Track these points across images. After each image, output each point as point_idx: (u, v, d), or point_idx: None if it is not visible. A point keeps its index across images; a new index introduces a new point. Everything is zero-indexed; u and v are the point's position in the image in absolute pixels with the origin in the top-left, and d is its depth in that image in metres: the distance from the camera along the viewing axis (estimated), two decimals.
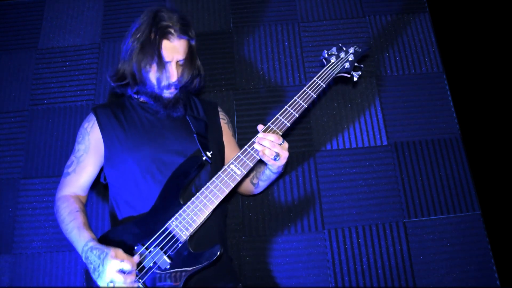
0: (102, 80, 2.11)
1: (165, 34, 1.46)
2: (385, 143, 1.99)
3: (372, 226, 1.87)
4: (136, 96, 1.62)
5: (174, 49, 1.48)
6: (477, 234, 1.87)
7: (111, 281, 1.22)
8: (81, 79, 2.12)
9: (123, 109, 1.59)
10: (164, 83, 1.49)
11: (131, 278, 1.24)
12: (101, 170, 1.57)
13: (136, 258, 1.29)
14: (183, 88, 1.58)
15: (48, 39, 2.21)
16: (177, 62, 1.50)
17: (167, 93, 1.53)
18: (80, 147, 1.55)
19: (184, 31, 1.49)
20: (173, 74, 1.49)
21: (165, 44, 1.46)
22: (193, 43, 1.56)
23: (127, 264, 1.23)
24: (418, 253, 1.84)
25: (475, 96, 2.11)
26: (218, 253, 1.30)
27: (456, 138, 2.01)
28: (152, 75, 1.49)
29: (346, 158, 1.97)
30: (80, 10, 2.26)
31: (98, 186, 1.87)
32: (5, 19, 2.25)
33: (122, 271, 1.23)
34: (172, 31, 1.46)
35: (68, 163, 1.55)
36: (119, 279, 1.22)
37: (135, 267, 1.26)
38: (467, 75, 2.14)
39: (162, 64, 1.46)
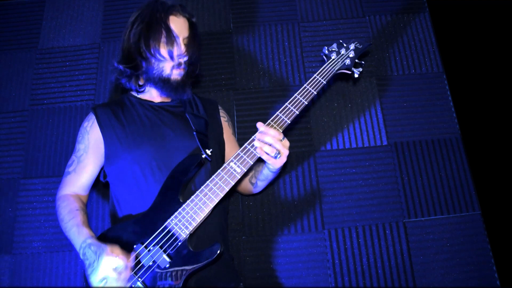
0: (102, 80, 2.11)
1: (170, 11, 1.53)
2: (385, 143, 1.99)
3: (372, 226, 1.87)
4: (141, 90, 1.62)
5: (180, 24, 1.55)
6: (477, 234, 1.87)
7: (104, 278, 1.22)
8: (81, 79, 2.12)
9: (122, 107, 1.59)
10: (176, 58, 1.52)
11: (125, 275, 1.23)
12: (102, 168, 1.57)
13: (133, 256, 1.29)
14: (190, 67, 1.61)
15: (48, 39, 2.21)
16: (183, 39, 1.54)
17: (176, 74, 1.55)
18: (80, 147, 1.55)
19: (185, 10, 1.59)
20: (182, 48, 1.53)
21: (172, 19, 1.53)
22: (194, 20, 1.62)
23: (121, 260, 1.23)
24: (418, 253, 1.84)
25: (475, 96, 2.11)
26: (218, 251, 1.29)
27: (456, 138, 2.01)
28: (163, 50, 1.51)
29: (346, 158, 1.97)
30: (80, 10, 2.26)
31: (99, 186, 1.87)
32: (5, 19, 2.25)
33: (117, 269, 1.23)
34: (176, 9, 1.55)
35: (69, 162, 1.55)
36: (113, 276, 1.22)
37: (130, 265, 1.25)
38: (467, 75, 2.14)
39: (171, 37, 1.50)
